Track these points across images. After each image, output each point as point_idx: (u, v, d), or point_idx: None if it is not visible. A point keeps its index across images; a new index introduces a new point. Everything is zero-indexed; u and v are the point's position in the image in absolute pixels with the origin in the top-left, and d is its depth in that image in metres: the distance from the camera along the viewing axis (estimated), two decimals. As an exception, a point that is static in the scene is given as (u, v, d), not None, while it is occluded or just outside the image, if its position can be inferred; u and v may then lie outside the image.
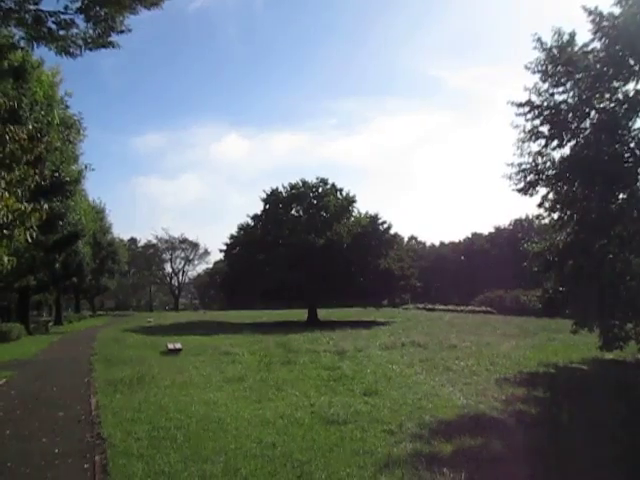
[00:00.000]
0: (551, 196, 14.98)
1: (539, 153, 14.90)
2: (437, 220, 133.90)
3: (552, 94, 14.49)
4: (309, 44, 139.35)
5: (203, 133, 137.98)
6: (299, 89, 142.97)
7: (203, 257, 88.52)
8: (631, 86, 13.37)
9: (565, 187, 14.72)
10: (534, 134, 14.79)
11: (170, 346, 19.03)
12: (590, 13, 13.36)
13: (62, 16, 8.49)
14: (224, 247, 42.96)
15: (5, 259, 7.28)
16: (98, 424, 8.61)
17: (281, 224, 39.54)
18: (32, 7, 8.43)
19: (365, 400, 10.13)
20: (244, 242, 40.55)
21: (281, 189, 41.36)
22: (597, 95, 13.78)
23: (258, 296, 40.51)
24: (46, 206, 7.60)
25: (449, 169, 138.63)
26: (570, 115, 14.22)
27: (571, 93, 14.20)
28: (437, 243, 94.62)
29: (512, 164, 15.04)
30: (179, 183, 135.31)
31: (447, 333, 24.67)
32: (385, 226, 39.99)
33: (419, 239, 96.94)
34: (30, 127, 9.62)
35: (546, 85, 14.49)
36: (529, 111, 14.69)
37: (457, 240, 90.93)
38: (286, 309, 53.12)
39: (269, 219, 40.42)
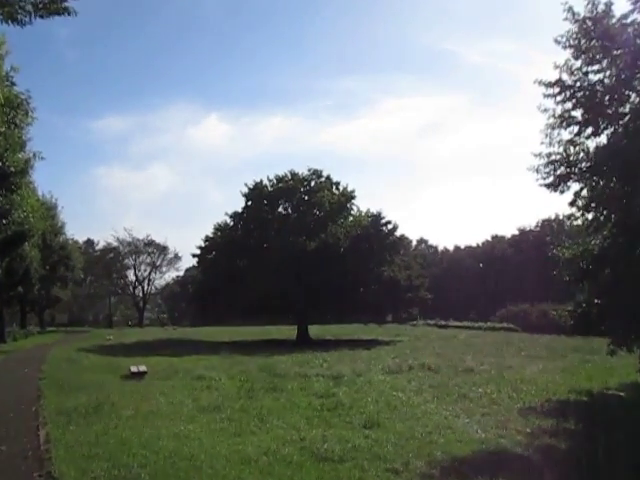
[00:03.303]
0: (585, 193, 15.08)
1: (571, 142, 15.01)
2: (451, 220, 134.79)
3: (586, 73, 14.61)
4: (304, 14, 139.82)
5: (176, 116, 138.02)
6: (291, 65, 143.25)
7: (173, 263, 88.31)
8: (678, 64, 13.51)
9: (601, 182, 14.83)
10: (565, 119, 14.90)
11: (133, 369, 18.95)
12: (630, -21, 13.50)
13: (7, -24, 8.48)
14: (198, 251, 42.97)
15: None
16: (48, 460, 8.58)
17: (266, 224, 39.55)
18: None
19: (365, 433, 10.16)
20: (221, 245, 40.53)
21: (266, 182, 41.42)
22: (638, 75, 13.91)
23: (238, 310, 40.46)
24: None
25: (465, 160, 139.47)
26: (607, 98, 14.34)
27: (608, 72, 14.32)
28: (451, 247, 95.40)
29: (539, 154, 15.13)
30: (146, 175, 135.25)
31: (462, 354, 24.79)
32: (390, 227, 40.17)
33: (430, 242, 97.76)
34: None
35: (579, 62, 14.60)
36: (559, 92, 14.79)
37: (475, 244, 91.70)
38: (271, 325, 52.99)
39: (252, 218, 40.43)
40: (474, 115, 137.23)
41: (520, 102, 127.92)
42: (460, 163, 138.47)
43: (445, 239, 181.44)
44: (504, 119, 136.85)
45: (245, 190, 41.26)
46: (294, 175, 41.43)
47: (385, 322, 47.18)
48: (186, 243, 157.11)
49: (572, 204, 15.39)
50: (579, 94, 14.61)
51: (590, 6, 14.19)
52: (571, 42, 14.55)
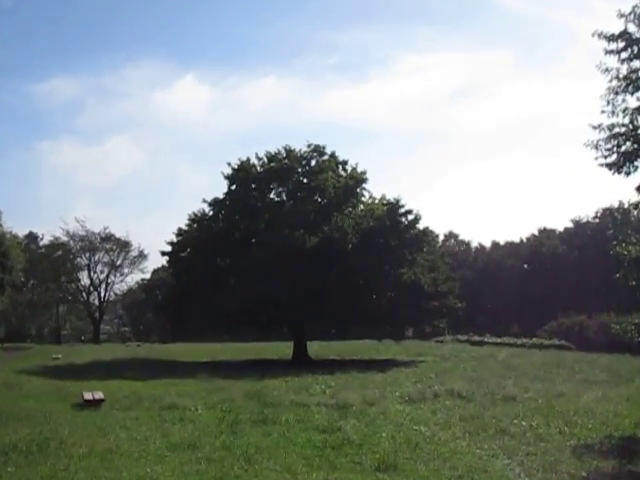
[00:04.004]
0: (657, 175, 15.08)
1: (640, 110, 15.00)
2: (488, 209, 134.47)
3: (660, 23, 14.59)
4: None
5: (142, 76, 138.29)
6: (287, 13, 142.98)
7: (137, 263, 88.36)
8: None
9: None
10: (632, 82, 14.88)
11: (87, 396, 19.03)
12: None
13: None
14: (168, 248, 42.92)
15: None
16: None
17: (254, 214, 39.53)
18: None
19: (379, 477, 10.20)
20: (198, 240, 40.50)
21: (255, 161, 41.51)
22: None
23: (219, 322, 40.45)
24: None
25: (505, 133, 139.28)
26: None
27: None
28: (488, 244, 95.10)
29: (599, 126, 15.13)
30: (103, 151, 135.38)
31: (502, 378, 24.82)
32: (410, 218, 40.20)
33: (461, 237, 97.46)
34: None
35: (651, 10, 14.58)
36: (625, 47, 14.77)
37: (517, 239, 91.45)
38: (261, 341, 53.02)
39: (236, 206, 40.46)
40: (516, 77, 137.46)
41: (575, 60, 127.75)
42: (499, 137, 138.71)
43: (480, 233, 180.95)
44: (554, 82, 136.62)
45: (228, 171, 41.35)
46: (290, 152, 41.37)
47: (404, 338, 47.02)
48: (154, 238, 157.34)
49: (641, 189, 15.39)
50: (650, 50, 14.58)
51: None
52: (640, -17, 14.53)
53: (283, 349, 42.42)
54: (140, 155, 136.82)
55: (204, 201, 41.99)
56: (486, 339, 56.93)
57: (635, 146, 14.94)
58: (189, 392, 21.49)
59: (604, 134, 15.08)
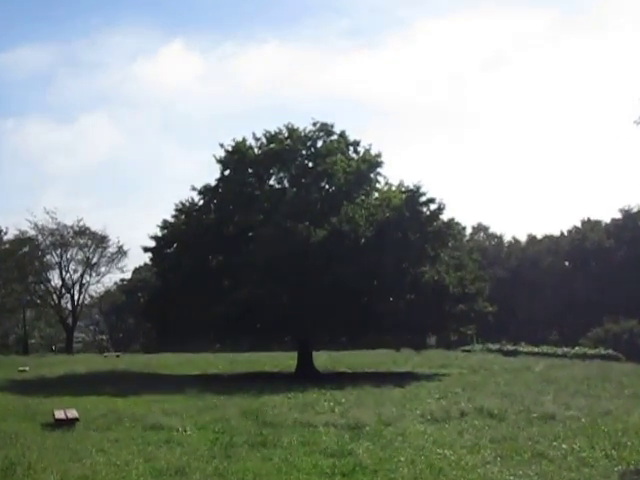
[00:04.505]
0: None
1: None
2: (523, 198, 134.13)
3: None
4: None
5: (121, 43, 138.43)
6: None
7: (115, 260, 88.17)
8: None
9: None
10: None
11: (59, 414, 19.05)
12: None
13: None
14: (152, 243, 42.92)
15: None
16: None
17: (251, 203, 39.51)
18: None
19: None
20: (187, 235, 40.54)
21: (252, 142, 41.55)
22: None
23: (211, 329, 40.51)
24: None
25: (542, 109, 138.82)
26: None
27: None
28: (523, 238, 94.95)
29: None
30: (76, 131, 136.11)
31: (539, 394, 24.82)
32: (433, 207, 40.13)
33: (491, 230, 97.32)
34: None
35: None
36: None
37: (557, 232, 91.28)
38: (259, 351, 53.07)
39: (230, 195, 40.50)
40: (555, 45, 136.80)
41: (623, 23, 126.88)
42: (534, 114, 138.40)
43: (514, 225, 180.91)
44: (597, 51, 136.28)
45: (221, 154, 41.40)
46: (292, 131, 41.38)
47: (426, 347, 47.12)
48: (135, 231, 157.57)
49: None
50: None
51: None
52: None
53: (285, 360, 42.47)
54: (119, 136, 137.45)
55: (193, 189, 41.96)
56: (521, 348, 56.91)
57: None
58: (176, 410, 21.50)
59: (658, 110, 15.06)
